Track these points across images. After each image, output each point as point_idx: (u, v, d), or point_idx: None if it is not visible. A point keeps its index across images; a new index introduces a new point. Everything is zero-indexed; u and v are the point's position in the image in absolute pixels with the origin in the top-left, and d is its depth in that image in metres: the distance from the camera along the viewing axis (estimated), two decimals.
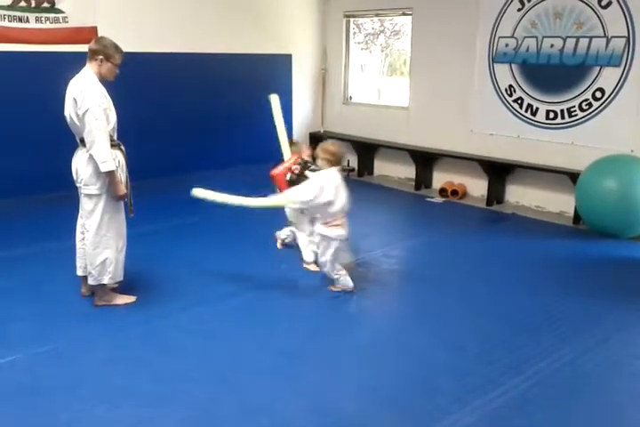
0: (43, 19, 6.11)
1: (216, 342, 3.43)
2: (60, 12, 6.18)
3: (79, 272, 3.92)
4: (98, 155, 3.48)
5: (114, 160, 3.59)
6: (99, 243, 3.70)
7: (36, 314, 3.73)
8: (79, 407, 2.78)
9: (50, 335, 3.46)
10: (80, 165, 3.62)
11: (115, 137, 3.70)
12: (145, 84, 6.83)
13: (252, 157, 7.99)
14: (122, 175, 3.70)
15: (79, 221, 3.86)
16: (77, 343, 3.38)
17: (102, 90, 3.57)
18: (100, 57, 3.57)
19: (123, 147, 3.75)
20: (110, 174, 3.55)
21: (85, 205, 3.68)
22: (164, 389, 2.95)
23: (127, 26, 6.57)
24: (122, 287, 4.04)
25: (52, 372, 3.08)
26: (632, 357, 3.36)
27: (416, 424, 2.70)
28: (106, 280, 3.77)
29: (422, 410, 2.81)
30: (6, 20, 5.91)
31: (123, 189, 3.64)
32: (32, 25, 6.07)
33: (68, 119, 3.60)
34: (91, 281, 3.79)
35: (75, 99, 3.49)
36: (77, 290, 3.98)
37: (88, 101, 3.46)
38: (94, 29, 6.27)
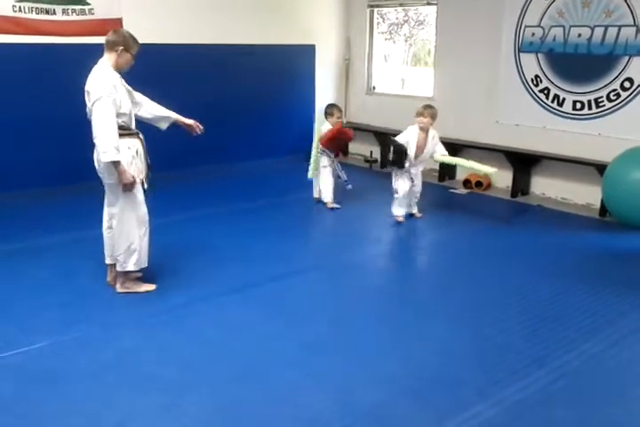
0: (69, 11, 6.17)
1: (239, 332, 3.47)
2: (85, 3, 6.23)
3: (107, 260, 4.01)
4: (99, 145, 3.54)
5: (130, 149, 3.67)
6: (122, 230, 3.80)
7: (64, 302, 3.81)
8: (107, 394, 2.84)
9: (78, 323, 3.53)
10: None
11: (132, 126, 3.77)
12: (169, 76, 6.86)
13: (276, 149, 8.02)
14: (140, 164, 3.77)
15: (105, 210, 3.95)
16: (104, 331, 3.44)
17: (114, 81, 3.62)
18: (121, 47, 3.64)
19: (141, 135, 3.83)
20: (115, 164, 3.59)
21: (107, 193, 3.82)
22: (188, 377, 2.99)
23: (152, 17, 6.60)
24: (149, 275, 4.10)
25: (79, 359, 3.14)
26: None
27: (438, 416, 2.71)
28: (130, 266, 3.86)
29: (445, 402, 2.81)
30: (34, 12, 5.97)
31: (128, 178, 3.64)
32: (59, 17, 6.12)
33: (88, 111, 3.68)
34: (118, 267, 3.88)
35: (88, 91, 3.59)
36: (104, 278, 4.05)
37: (98, 92, 3.52)
38: (119, 21, 6.31)
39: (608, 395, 2.91)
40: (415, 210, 5.75)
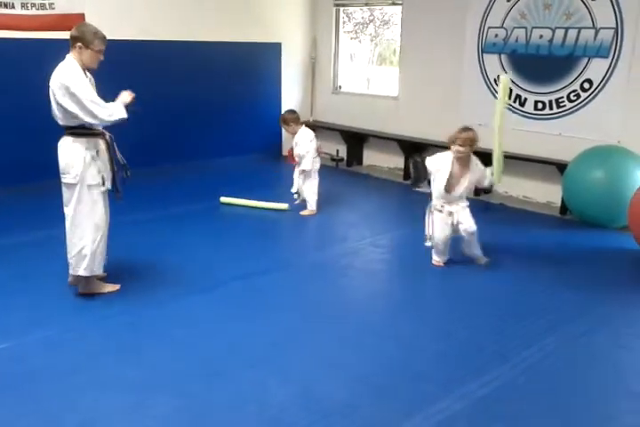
0: (29, 5, 6.03)
1: (206, 331, 3.44)
2: None
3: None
4: (101, 115, 3.47)
5: (88, 149, 3.58)
6: (74, 233, 3.67)
7: (26, 303, 3.73)
8: (71, 395, 2.79)
9: (41, 324, 3.46)
10: (59, 152, 3.60)
11: (99, 126, 3.64)
12: (132, 73, 6.76)
13: (243, 148, 7.99)
14: (101, 164, 3.64)
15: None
16: (68, 332, 3.38)
17: (83, 76, 3.52)
18: (79, 44, 3.48)
19: (108, 136, 3.70)
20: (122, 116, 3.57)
21: (64, 193, 3.66)
22: (153, 378, 2.96)
23: (115, 13, 6.50)
24: (114, 275, 4.04)
25: (43, 360, 3.08)
26: (617, 346, 3.41)
27: (405, 411, 2.73)
28: (81, 271, 3.72)
29: (411, 397, 2.84)
30: None
31: (125, 98, 3.64)
32: (17, 11, 5.98)
33: (53, 109, 3.55)
34: (70, 270, 3.77)
35: (52, 87, 3.46)
36: (66, 279, 3.96)
37: (69, 80, 3.40)
38: (82, 16, 6.19)
39: (567, 389, 2.97)
40: (477, 253, 4.48)
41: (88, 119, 3.48)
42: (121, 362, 3.10)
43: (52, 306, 3.70)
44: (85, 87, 3.46)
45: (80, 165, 3.55)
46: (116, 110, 3.54)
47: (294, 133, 5.78)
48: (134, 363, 3.09)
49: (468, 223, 4.34)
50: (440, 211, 4.37)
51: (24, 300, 3.78)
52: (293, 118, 5.77)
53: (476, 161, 4.35)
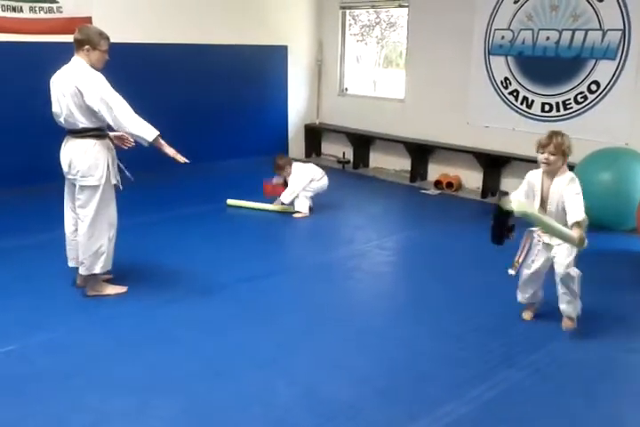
0: (37, 8, 6.07)
1: (209, 333, 3.44)
2: (54, 1, 6.14)
3: (71, 264, 3.92)
4: (135, 128, 3.52)
5: (110, 149, 3.66)
6: (93, 233, 3.70)
7: (29, 305, 3.73)
8: (73, 397, 2.79)
9: (44, 326, 3.46)
10: (75, 156, 3.59)
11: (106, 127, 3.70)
12: (139, 76, 6.79)
13: (250, 150, 8.00)
14: (112, 167, 3.70)
15: (68, 213, 3.85)
16: (71, 334, 3.38)
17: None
18: (87, 46, 3.54)
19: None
20: (157, 141, 3.62)
21: (81, 195, 3.66)
22: (157, 379, 2.96)
23: (122, 16, 6.53)
24: (118, 277, 4.04)
25: (46, 362, 3.09)
26: (625, 350, 3.38)
27: (411, 414, 2.72)
28: (97, 270, 3.77)
29: (417, 400, 2.82)
30: (0, 9, 5.87)
31: (172, 150, 3.73)
32: (26, 15, 6.02)
33: (65, 111, 3.54)
34: (82, 271, 3.79)
35: (78, 88, 3.47)
36: (70, 281, 3.98)
37: (96, 85, 3.47)
38: (89, 20, 6.22)
39: (573, 391, 2.95)
40: (563, 308, 3.52)
41: (110, 120, 3.51)
42: (124, 364, 3.10)
43: (55, 308, 3.71)
44: (116, 93, 3.53)
45: (105, 167, 3.61)
46: (149, 129, 3.57)
47: (289, 175, 5.76)
48: (137, 364, 3.09)
49: (561, 261, 3.44)
50: (538, 241, 3.52)
51: (27, 301, 3.78)
52: (286, 161, 5.79)
53: (570, 176, 3.39)
